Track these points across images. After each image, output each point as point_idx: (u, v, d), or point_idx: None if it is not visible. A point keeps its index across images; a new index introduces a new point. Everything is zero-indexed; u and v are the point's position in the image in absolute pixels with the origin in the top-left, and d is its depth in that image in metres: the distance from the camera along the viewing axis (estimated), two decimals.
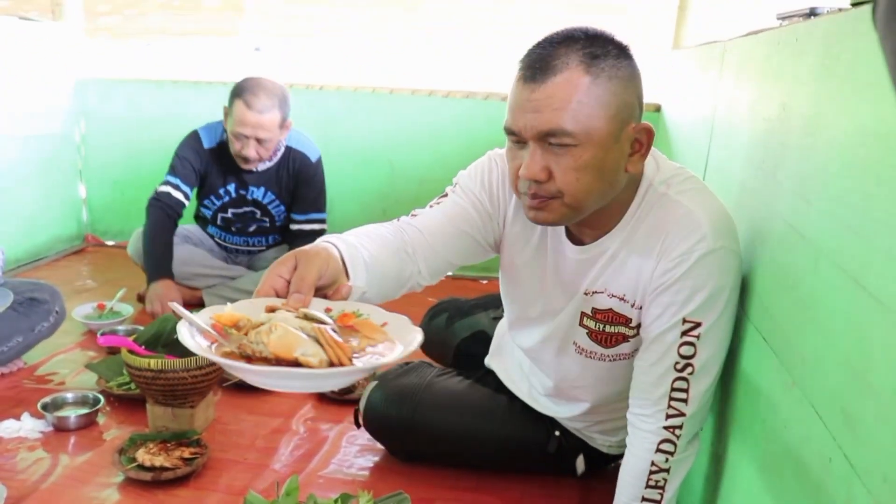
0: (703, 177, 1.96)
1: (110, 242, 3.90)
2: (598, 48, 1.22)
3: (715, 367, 1.34)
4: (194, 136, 2.91)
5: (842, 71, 0.99)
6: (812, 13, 1.28)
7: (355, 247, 1.25)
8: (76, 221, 3.84)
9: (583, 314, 1.47)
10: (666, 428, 1.36)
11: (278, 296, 1.09)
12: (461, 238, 1.46)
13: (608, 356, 1.49)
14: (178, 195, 2.84)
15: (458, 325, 2.11)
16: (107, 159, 3.83)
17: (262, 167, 2.89)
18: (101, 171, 3.85)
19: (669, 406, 1.34)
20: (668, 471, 1.38)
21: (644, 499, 1.40)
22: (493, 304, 2.12)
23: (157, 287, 2.70)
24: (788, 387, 1.05)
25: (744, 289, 1.36)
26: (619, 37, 1.27)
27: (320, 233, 3.01)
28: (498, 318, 1.93)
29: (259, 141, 2.73)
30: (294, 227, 3.02)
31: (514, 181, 1.30)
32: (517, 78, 1.26)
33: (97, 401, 2.07)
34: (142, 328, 2.37)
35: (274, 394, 2.23)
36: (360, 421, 1.90)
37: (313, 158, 2.96)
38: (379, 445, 1.95)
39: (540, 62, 1.22)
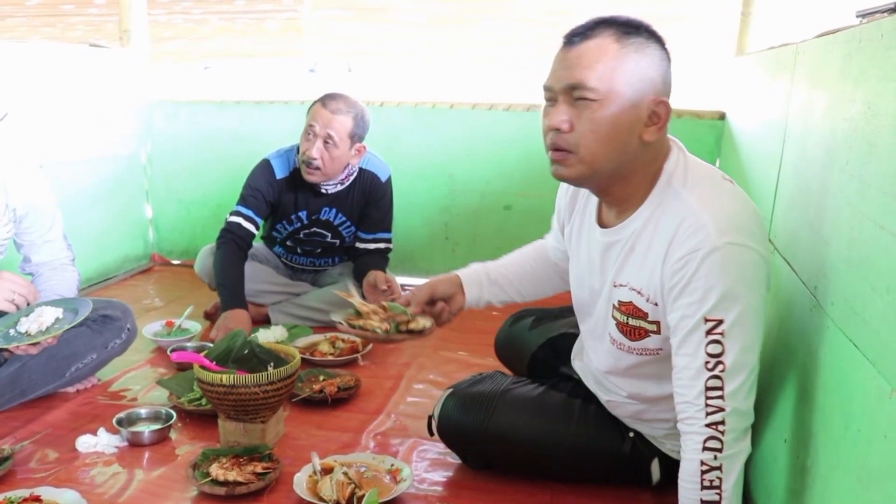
0: (776, 181, 1.91)
1: (176, 262, 3.97)
2: (632, 28, 1.39)
3: (748, 362, 1.36)
4: (266, 166, 2.87)
5: None
6: None
7: (479, 270, 1.85)
8: (143, 241, 3.92)
9: (612, 306, 1.58)
10: (708, 425, 1.36)
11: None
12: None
13: (635, 349, 1.57)
14: (249, 226, 2.81)
15: (541, 329, 2.11)
16: (172, 179, 3.90)
17: (333, 189, 2.87)
18: (167, 191, 3.92)
19: (707, 404, 1.36)
20: (719, 468, 1.37)
21: (703, 501, 1.39)
22: None
23: (229, 316, 2.64)
24: (887, 394, 1.00)
25: (826, 294, 1.32)
26: (656, 29, 1.43)
27: (385, 251, 3.01)
28: None
29: (326, 143, 2.70)
30: (360, 245, 3.01)
31: (545, 137, 1.46)
32: (559, 49, 1.45)
33: (170, 416, 2.10)
34: (210, 345, 2.40)
35: (343, 409, 2.24)
36: (434, 429, 1.89)
37: (383, 178, 2.96)
38: (450, 459, 1.94)
39: (579, 31, 1.42)
